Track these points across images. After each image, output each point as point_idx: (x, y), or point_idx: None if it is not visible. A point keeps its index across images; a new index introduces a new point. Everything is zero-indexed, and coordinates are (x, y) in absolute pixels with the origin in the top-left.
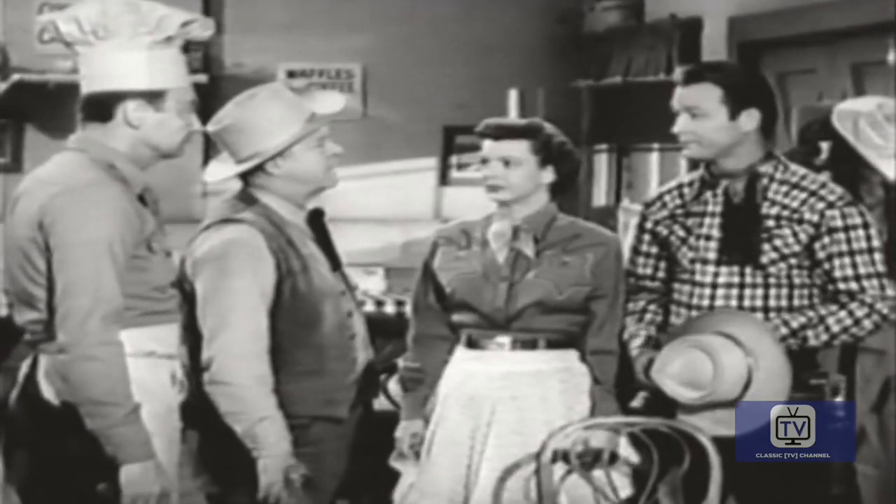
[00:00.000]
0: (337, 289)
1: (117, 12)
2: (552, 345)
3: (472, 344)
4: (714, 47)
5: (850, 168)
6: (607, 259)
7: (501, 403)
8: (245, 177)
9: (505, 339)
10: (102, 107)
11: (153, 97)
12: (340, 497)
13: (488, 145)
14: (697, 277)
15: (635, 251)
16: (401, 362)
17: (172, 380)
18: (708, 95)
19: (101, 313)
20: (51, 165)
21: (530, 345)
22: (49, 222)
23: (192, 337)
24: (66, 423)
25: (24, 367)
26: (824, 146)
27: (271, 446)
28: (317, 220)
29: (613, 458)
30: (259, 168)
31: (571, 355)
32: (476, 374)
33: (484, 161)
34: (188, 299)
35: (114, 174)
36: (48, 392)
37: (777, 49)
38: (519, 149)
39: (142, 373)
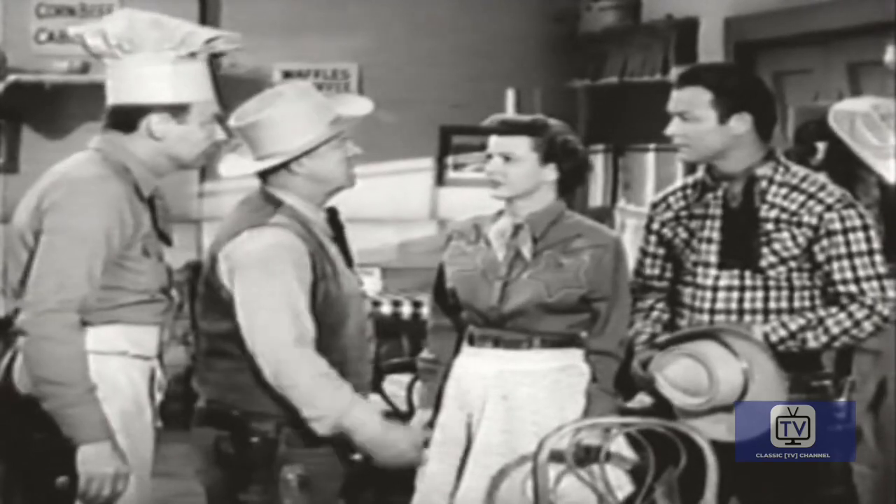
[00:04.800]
0: (359, 290)
1: (142, 28)
2: (549, 344)
3: (471, 341)
4: (710, 47)
5: (846, 168)
6: (603, 261)
7: (491, 402)
8: (264, 175)
9: (499, 339)
10: (127, 118)
11: (177, 110)
12: (338, 497)
13: (492, 141)
14: (699, 280)
15: (643, 252)
16: (423, 353)
17: (151, 381)
18: (698, 99)
19: (62, 297)
20: (67, 160)
21: (525, 344)
22: (45, 207)
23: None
24: (32, 414)
25: (6, 359)
26: (820, 146)
27: (362, 432)
28: (334, 219)
29: (606, 455)
30: (281, 167)
31: (571, 355)
32: (471, 372)
33: (488, 157)
34: (215, 301)
35: (123, 175)
36: (20, 383)
37: (773, 49)
38: (520, 145)
39: (112, 371)
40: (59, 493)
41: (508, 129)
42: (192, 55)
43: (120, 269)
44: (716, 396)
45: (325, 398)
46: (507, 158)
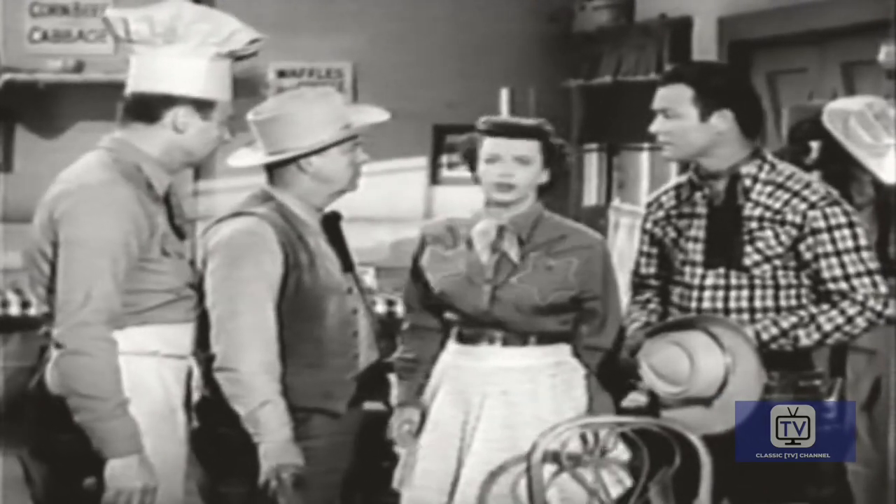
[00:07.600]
0: (343, 286)
1: (191, 19)
2: (544, 341)
3: (462, 339)
4: (704, 47)
5: (840, 167)
6: (591, 262)
7: (491, 398)
8: (272, 171)
9: (495, 336)
10: (152, 108)
11: (203, 106)
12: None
13: (499, 143)
14: (686, 279)
15: (639, 251)
16: (397, 352)
17: (187, 380)
18: (680, 96)
19: (91, 309)
20: (76, 164)
21: (520, 341)
22: (57, 218)
23: (205, 327)
24: (61, 415)
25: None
26: (814, 145)
27: (272, 431)
28: (332, 223)
29: (602, 452)
30: (289, 163)
31: (564, 350)
32: (467, 369)
33: (491, 160)
34: (196, 290)
35: (135, 176)
36: (51, 384)
37: (767, 48)
38: (532, 148)
39: (142, 372)
40: (87, 493)
41: (521, 132)
42: (230, 53)
43: (142, 272)
44: (693, 387)
45: (255, 385)
46: (521, 161)
